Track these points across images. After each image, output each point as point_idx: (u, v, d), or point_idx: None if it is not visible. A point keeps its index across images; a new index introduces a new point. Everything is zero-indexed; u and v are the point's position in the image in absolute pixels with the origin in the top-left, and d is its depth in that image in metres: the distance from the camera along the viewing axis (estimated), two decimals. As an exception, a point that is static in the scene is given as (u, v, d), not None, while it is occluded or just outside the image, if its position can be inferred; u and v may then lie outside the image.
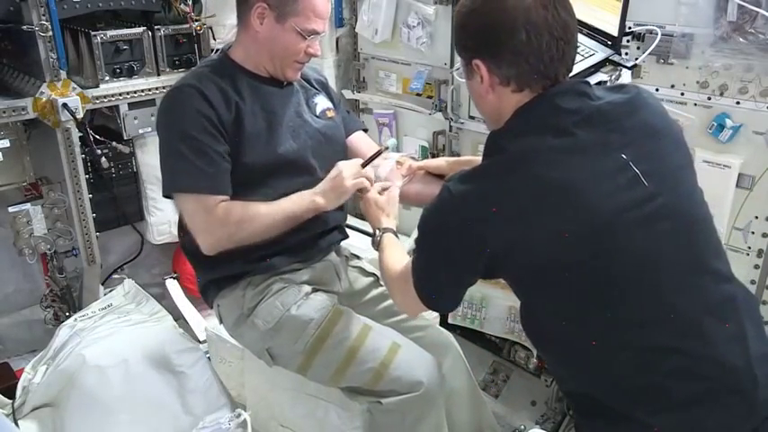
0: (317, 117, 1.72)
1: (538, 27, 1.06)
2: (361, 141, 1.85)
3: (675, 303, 1.05)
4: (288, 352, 1.60)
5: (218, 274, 1.66)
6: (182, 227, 1.74)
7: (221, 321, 1.74)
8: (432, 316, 1.91)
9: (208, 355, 2.11)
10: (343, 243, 1.85)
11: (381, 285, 1.83)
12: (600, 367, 1.09)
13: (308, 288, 1.65)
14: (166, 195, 1.60)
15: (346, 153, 1.78)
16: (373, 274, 1.86)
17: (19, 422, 1.95)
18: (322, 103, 1.76)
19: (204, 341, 2.15)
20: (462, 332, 2.16)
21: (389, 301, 1.79)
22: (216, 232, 1.51)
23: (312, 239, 1.70)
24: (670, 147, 1.13)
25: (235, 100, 1.56)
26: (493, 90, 1.14)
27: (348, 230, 1.89)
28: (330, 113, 1.76)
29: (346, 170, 1.57)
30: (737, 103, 1.66)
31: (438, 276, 1.19)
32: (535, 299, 1.14)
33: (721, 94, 1.68)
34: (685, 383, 1.04)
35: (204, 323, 2.21)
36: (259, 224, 1.53)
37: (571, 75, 1.17)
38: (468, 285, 1.20)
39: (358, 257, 1.91)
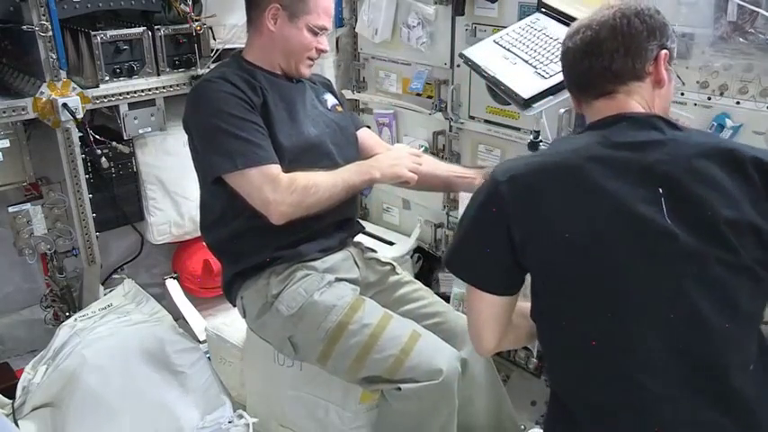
0: (329, 110, 1.83)
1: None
2: (368, 137, 1.96)
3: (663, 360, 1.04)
4: (309, 339, 1.62)
5: (245, 264, 1.70)
6: (206, 225, 1.78)
7: (244, 315, 1.76)
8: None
9: (208, 355, 2.11)
10: (356, 238, 1.89)
11: (398, 274, 1.88)
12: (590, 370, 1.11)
13: (330, 276, 1.68)
14: (213, 180, 1.61)
15: (357, 144, 1.88)
16: (389, 263, 1.89)
17: (19, 422, 1.95)
18: (331, 99, 1.87)
19: (204, 341, 2.15)
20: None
21: (405, 289, 1.84)
22: (286, 199, 1.54)
23: (332, 227, 1.75)
24: (721, 201, 1.04)
25: (259, 87, 1.65)
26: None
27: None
28: (339, 109, 1.88)
29: (406, 159, 1.70)
30: (737, 103, 1.65)
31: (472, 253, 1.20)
32: (542, 293, 1.16)
33: (721, 94, 1.68)
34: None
35: (204, 323, 2.21)
36: (324, 192, 1.58)
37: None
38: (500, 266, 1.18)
39: (373, 250, 1.95)
